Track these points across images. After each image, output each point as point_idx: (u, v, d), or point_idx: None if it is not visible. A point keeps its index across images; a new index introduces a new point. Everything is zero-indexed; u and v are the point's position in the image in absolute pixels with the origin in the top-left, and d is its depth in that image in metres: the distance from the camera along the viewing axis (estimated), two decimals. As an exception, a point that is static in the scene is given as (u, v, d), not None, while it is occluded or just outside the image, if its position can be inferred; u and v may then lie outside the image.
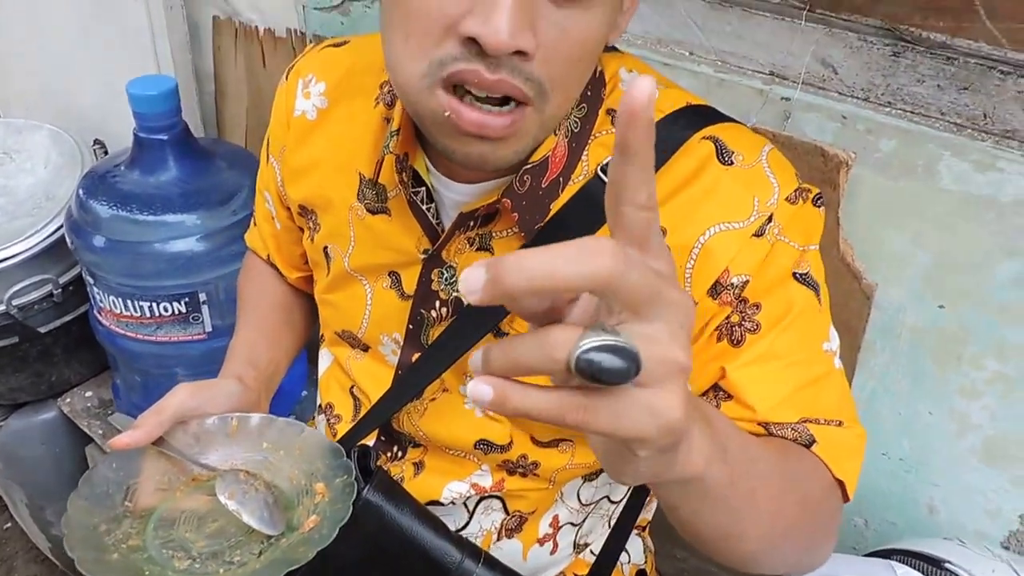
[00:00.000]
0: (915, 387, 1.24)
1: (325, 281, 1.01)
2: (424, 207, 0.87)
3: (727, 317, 0.79)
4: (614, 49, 0.90)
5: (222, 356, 1.12)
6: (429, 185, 0.87)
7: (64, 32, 2.11)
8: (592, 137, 0.82)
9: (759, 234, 0.77)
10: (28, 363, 1.91)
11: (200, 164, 1.60)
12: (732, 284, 0.78)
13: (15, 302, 1.80)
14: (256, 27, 1.82)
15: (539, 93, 0.69)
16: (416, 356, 0.94)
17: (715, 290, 0.78)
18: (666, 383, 0.44)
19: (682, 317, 0.45)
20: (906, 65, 1.13)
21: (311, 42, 1.73)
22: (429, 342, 0.92)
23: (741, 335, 0.78)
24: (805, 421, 0.78)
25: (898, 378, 1.25)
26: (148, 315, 1.59)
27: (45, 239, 1.83)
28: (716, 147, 0.80)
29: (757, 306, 0.78)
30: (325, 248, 0.99)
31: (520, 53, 0.65)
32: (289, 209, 1.05)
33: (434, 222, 0.88)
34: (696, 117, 0.83)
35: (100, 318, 1.68)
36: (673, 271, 0.47)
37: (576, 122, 0.81)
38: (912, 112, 1.14)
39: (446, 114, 0.69)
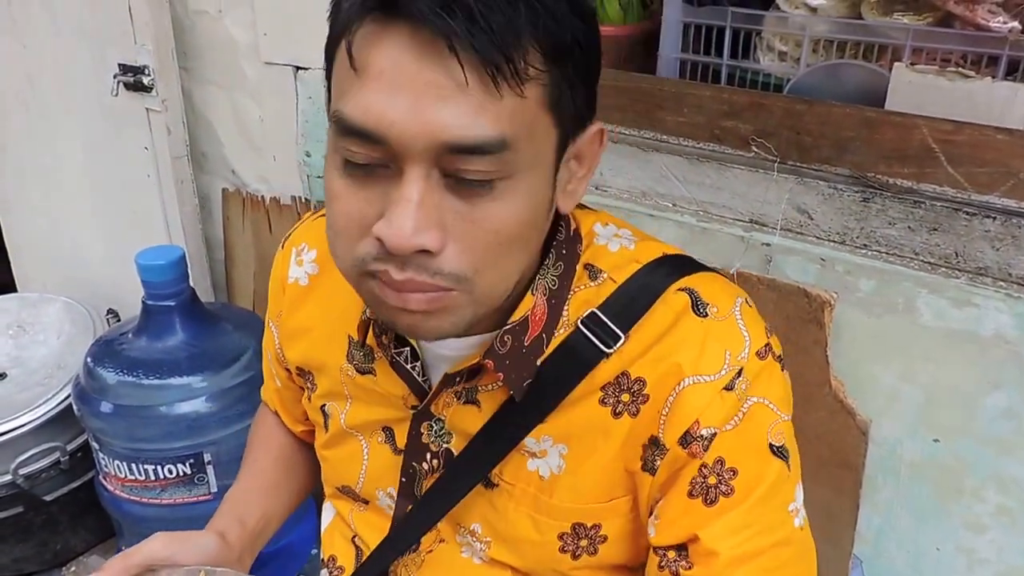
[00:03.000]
0: (920, 522, 1.22)
1: (324, 438, 1.02)
2: (409, 366, 0.89)
3: (702, 474, 0.79)
4: (584, 206, 0.94)
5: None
6: (413, 343, 0.89)
7: (79, 209, 2.20)
8: (571, 292, 0.84)
9: (729, 388, 0.79)
10: (33, 532, 1.89)
11: (206, 328, 1.64)
12: (701, 436, 0.79)
13: (22, 471, 1.80)
14: (263, 196, 1.90)
15: (458, 281, 0.70)
16: (410, 508, 0.94)
17: (685, 440, 0.79)
18: None
19: None
20: (877, 209, 1.17)
21: (315, 208, 1.80)
22: (422, 494, 0.93)
23: (715, 497, 0.79)
24: None
25: (902, 514, 1.24)
26: (153, 478, 1.59)
27: (54, 408, 1.85)
28: (691, 299, 0.81)
29: (733, 471, 0.79)
30: (323, 407, 1.00)
31: (426, 251, 0.67)
32: (288, 370, 1.07)
33: (420, 380, 0.89)
34: (672, 267, 0.85)
35: (105, 483, 1.68)
36: None
37: (554, 280, 0.83)
38: (887, 253, 1.18)
39: (376, 293, 0.73)
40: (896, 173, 1.17)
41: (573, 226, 0.86)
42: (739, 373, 0.79)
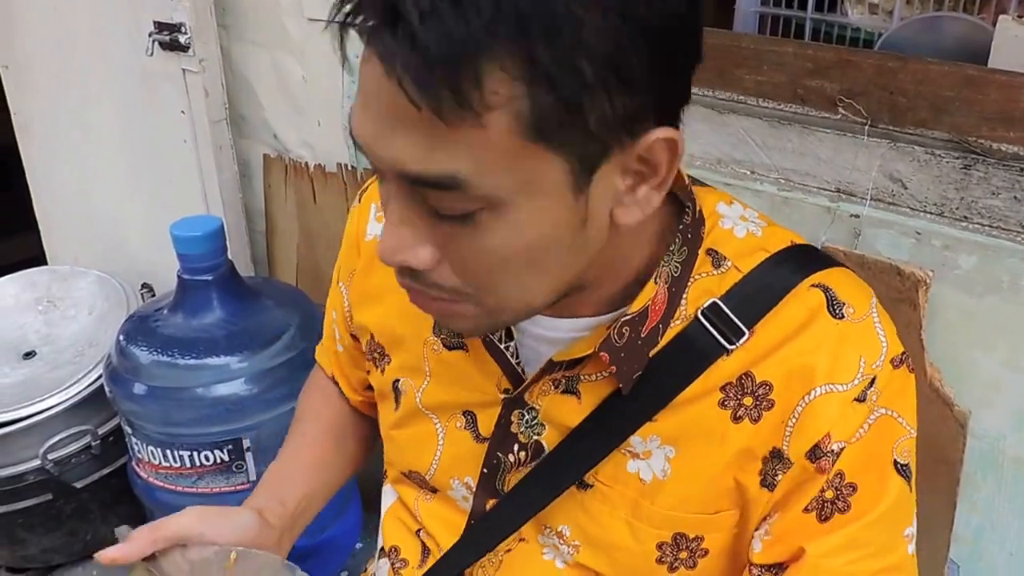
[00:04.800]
0: (1024, 524, 1.21)
1: (393, 417, 1.00)
2: (503, 345, 0.88)
3: (821, 490, 0.80)
4: (698, 182, 0.90)
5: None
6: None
7: (112, 177, 2.26)
8: (691, 280, 0.82)
9: (860, 399, 0.78)
10: (62, 521, 1.94)
11: (246, 304, 1.66)
12: (832, 451, 0.78)
13: (51, 456, 1.84)
14: (306, 163, 1.93)
15: (459, 294, 0.71)
16: (490, 503, 0.93)
17: (815, 454, 0.79)
18: None
19: None
20: (979, 178, 1.15)
21: (362, 176, 1.82)
22: (505, 488, 0.92)
23: (831, 513, 0.80)
24: None
25: (1005, 513, 1.22)
26: (188, 465, 1.62)
27: (86, 388, 1.90)
28: (827, 297, 0.80)
29: (853, 487, 0.79)
30: (396, 382, 0.99)
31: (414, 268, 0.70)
32: (355, 337, 1.06)
33: (514, 362, 0.88)
34: (803, 260, 0.82)
35: (138, 470, 1.72)
36: None
37: (677, 267, 0.81)
38: (990, 226, 1.16)
39: None
40: (1001, 137, 1.14)
41: (698, 207, 0.83)
42: (871, 383, 0.78)
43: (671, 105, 0.69)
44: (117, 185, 2.26)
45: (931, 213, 1.20)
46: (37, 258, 3.03)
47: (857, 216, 1.25)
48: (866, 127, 1.24)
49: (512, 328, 0.87)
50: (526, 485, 0.89)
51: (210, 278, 1.62)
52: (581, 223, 0.69)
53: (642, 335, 0.80)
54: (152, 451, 1.64)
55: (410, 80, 0.58)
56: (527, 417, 0.89)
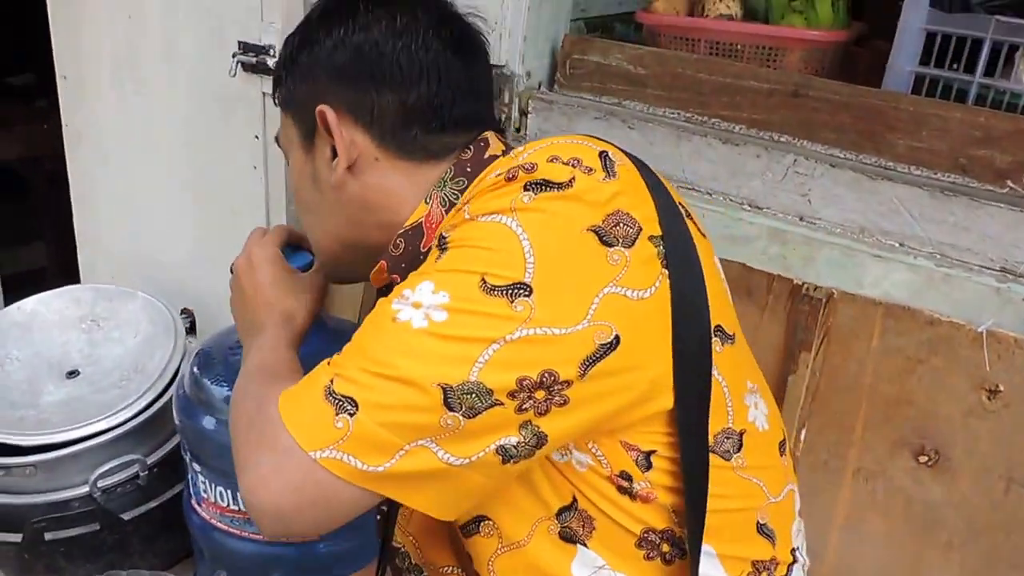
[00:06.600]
0: None
1: None
2: None
3: None
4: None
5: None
6: None
7: (166, 196, 2.13)
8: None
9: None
10: (103, 553, 1.80)
11: (328, 344, 1.52)
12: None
13: (100, 484, 1.71)
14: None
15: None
16: None
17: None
18: None
19: None
20: None
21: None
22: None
23: None
24: None
25: None
26: (259, 511, 1.48)
27: (135, 416, 1.76)
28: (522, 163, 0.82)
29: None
30: None
31: None
32: None
33: None
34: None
35: (199, 509, 1.58)
36: None
37: (455, 194, 0.87)
38: None
39: None
40: None
41: (489, 153, 0.90)
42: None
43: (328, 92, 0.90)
44: (170, 204, 2.12)
45: (1123, 302, 1.09)
46: (43, 269, 2.93)
47: (1030, 299, 1.14)
48: (1051, 206, 1.13)
49: None
50: None
51: (293, 312, 1.48)
52: (313, 178, 0.94)
53: (422, 250, 0.88)
54: (220, 492, 1.51)
55: None
56: None
